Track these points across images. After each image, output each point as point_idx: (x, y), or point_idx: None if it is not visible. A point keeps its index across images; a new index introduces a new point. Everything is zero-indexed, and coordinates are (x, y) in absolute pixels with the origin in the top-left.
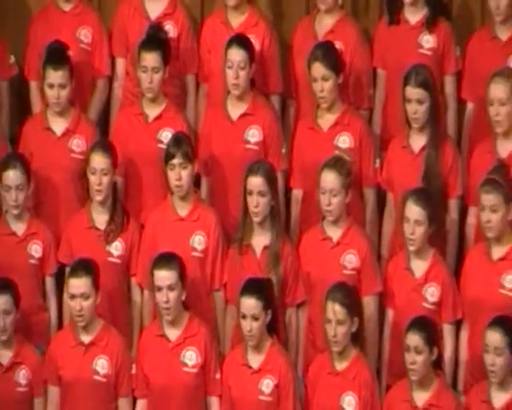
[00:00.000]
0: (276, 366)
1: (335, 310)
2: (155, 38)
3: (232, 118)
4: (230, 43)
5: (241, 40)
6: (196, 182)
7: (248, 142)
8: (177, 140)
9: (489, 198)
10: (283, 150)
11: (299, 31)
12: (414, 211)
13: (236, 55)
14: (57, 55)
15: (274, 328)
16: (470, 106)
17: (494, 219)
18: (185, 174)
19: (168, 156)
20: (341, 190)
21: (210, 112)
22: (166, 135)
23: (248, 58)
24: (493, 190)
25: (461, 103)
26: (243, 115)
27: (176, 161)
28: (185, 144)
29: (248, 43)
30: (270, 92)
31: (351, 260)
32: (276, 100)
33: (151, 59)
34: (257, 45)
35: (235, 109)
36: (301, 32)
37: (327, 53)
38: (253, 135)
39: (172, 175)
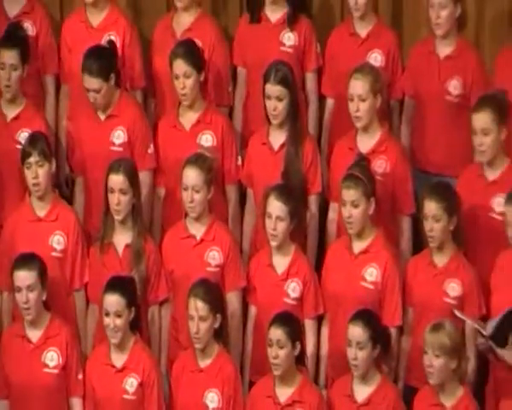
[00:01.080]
0: (140, 365)
1: (197, 306)
2: (14, 36)
3: (100, 119)
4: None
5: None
6: None
7: (114, 143)
8: (34, 139)
9: (350, 193)
10: (150, 150)
11: (158, 28)
12: (275, 207)
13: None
14: None
15: (137, 326)
16: (330, 102)
17: (355, 214)
18: (42, 173)
19: (24, 155)
20: (203, 186)
21: (76, 113)
22: (24, 136)
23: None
24: (354, 186)
25: (322, 100)
26: (109, 117)
27: (32, 159)
28: (42, 143)
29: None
30: (132, 88)
31: (214, 256)
32: (140, 95)
33: (9, 56)
34: (117, 42)
35: (102, 112)
36: (160, 29)
37: (188, 50)
38: (119, 136)
39: (29, 174)
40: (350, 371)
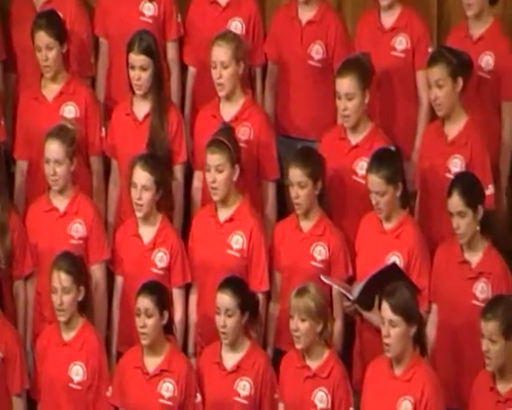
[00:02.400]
0: (2, 340)
1: (61, 279)
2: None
3: None
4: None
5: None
6: None
7: None
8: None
9: (214, 158)
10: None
11: (16, 0)
12: (141, 176)
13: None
14: None
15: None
16: (192, 70)
17: (219, 180)
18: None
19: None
20: (65, 159)
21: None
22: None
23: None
24: (218, 151)
25: (184, 69)
26: None
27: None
28: None
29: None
30: None
31: (77, 229)
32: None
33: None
34: None
35: None
36: (19, 1)
37: (50, 22)
38: None
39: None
40: (219, 339)
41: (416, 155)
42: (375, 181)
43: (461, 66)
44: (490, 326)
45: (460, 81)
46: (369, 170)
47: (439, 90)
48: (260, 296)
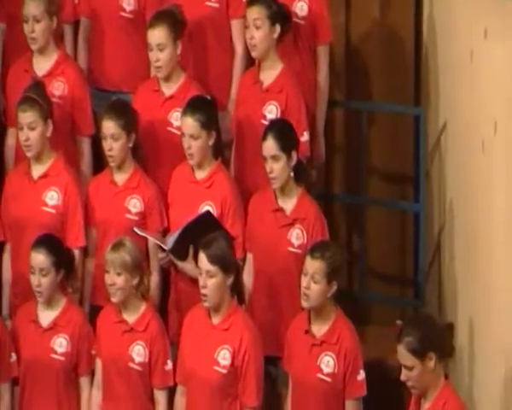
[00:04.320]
0: None
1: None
2: None
3: None
4: None
5: None
6: None
7: None
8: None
9: (26, 116)
10: None
11: None
12: None
13: None
14: None
15: None
16: (2, 26)
17: (32, 137)
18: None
19: None
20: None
21: None
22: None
23: None
24: (29, 108)
25: None
26: None
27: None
28: None
29: None
30: None
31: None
32: None
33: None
34: None
35: None
36: None
37: None
38: None
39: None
40: (34, 298)
41: (232, 105)
42: (190, 124)
43: (280, 14)
44: (316, 265)
45: (278, 28)
46: (183, 113)
47: (256, 30)
48: (76, 252)
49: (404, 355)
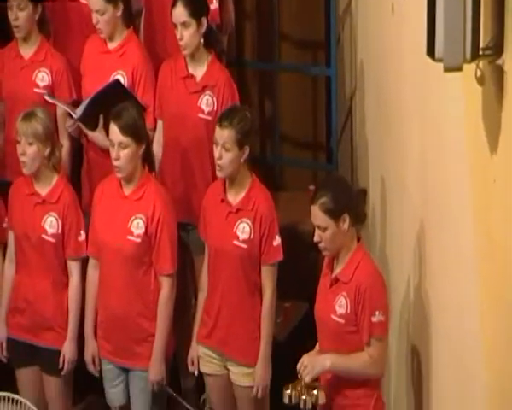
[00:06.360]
0: None
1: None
2: None
3: None
4: None
5: None
6: None
7: None
8: None
9: None
10: None
11: None
12: None
13: None
14: None
15: None
16: None
17: None
18: None
19: None
20: None
21: None
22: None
23: None
24: None
25: None
26: None
27: None
28: None
29: None
30: None
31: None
32: None
33: None
34: None
35: None
36: None
37: None
38: None
39: None
40: None
41: None
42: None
43: None
44: (225, 133)
45: None
46: None
47: None
48: None
49: (318, 216)
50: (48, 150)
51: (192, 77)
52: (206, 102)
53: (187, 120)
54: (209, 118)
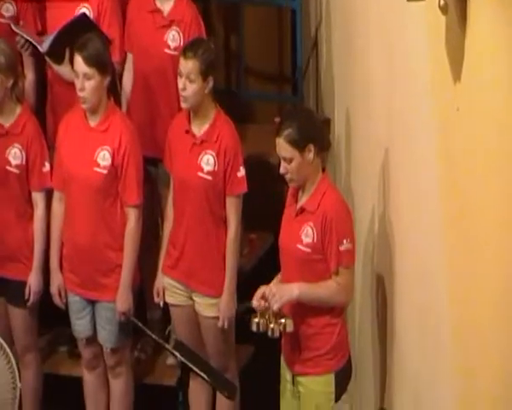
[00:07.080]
0: None
1: None
2: None
3: None
4: None
5: None
6: None
7: None
8: None
9: None
10: None
11: None
12: None
13: None
14: None
15: None
16: None
17: None
18: None
19: None
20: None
21: None
22: None
23: None
24: None
25: None
26: None
27: None
28: None
29: None
30: None
31: None
32: None
33: None
34: None
35: None
36: None
37: None
38: None
39: None
40: None
41: None
42: None
43: None
44: (190, 65)
45: None
46: None
47: None
48: None
49: (283, 147)
50: (10, 82)
51: (159, 11)
52: (173, 38)
53: (153, 54)
54: (175, 53)
